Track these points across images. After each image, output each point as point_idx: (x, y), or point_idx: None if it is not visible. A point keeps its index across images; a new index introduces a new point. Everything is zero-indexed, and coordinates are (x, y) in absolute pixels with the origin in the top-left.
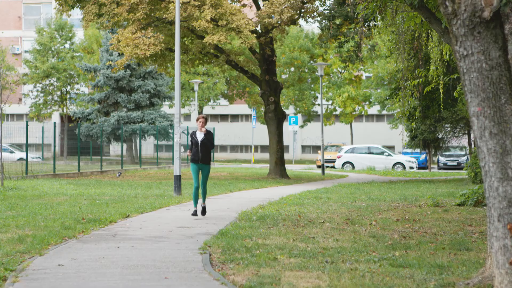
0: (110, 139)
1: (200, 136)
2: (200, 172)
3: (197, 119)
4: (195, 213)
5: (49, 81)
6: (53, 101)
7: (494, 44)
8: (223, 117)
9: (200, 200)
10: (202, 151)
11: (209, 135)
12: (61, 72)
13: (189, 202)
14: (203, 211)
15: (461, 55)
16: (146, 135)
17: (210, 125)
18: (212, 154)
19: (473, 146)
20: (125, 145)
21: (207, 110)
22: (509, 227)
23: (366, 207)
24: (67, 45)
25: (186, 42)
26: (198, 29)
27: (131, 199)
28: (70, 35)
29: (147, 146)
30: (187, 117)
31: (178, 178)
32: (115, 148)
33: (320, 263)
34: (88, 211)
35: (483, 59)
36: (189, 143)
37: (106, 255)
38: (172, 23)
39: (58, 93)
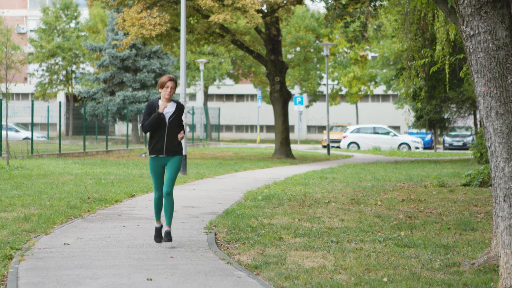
0: (116, 119)
1: (167, 109)
2: (164, 170)
3: (163, 83)
4: (157, 233)
5: (55, 60)
6: (58, 80)
7: (501, 24)
8: (229, 97)
9: (163, 219)
10: (169, 136)
11: (180, 109)
12: (66, 52)
13: (195, 182)
14: (167, 236)
15: (467, 35)
16: None
17: (214, 104)
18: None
19: (478, 126)
20: (130, 125)
21: (212, 89)
22: None
23: (372, 187)
24: (72, 25)
25: (192, 22)
26: (204, 8)
27: (137, 179)
28: (75, 14)
29: None
30: (192, 97)
31: (183, 158)
32: (121, 128)
33: (325, 243)
34: (94, 190)
35: (490, 39)
36: (142, 122)
37: (112, 234)
38: (177, 2)
39: (64, 72)
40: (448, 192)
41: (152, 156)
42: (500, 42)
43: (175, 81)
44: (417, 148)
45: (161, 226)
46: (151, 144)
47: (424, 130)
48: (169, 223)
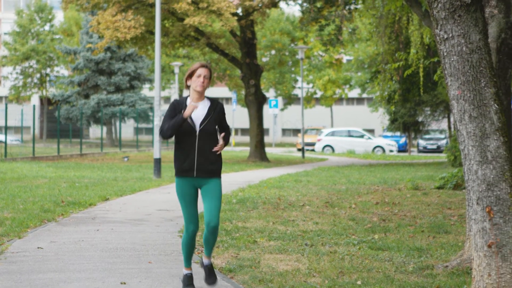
0: (90, 122)
1: (198, 111)
2: (197, 192)
3: (192, 71)
4: (189, 281)
5: (29, 63)
6: (32, 83)
7: (474, 28)
8: None
9: (201, 254)
10: (202, 149)
11: (216, 109)
12: (40, 55)
13: (169, 185)
14: (210, 276)
15: (441, 39)
16: (126, 118)
17: None
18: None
19: (452, 129)
20: (105, 128)
21: (187, 92)
22: (488, 210)
23: (346, 190)
24: (46, 27)
25: (167, 25)
26: (179, 11)
27: (111, 182)
28: (49, 17)
29: (127, 129)
30: (167, 100)
31: (158, 161)
32: (95, 131)
33: (299, 246)
34: (68, 194)
35: (464, 43)
36: (161, 127)
37: (86, 238)
38: (152, 5)
39: (38, 75)
40: (422, 195)
41: (179, 176)
42: (474, 46)
43: (209, 69)
44: (391, 151)
45: (192, 274)
46: (177, 160)
47: (398, 133)
48: (209, 254)
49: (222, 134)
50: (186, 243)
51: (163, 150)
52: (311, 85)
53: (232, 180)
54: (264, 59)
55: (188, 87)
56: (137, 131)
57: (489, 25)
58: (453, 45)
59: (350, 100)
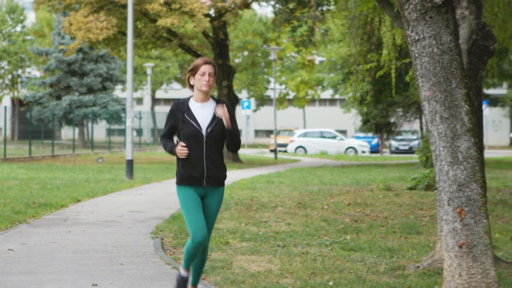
0: (62, 123)
1: (203, 113)
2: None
3: (196, 67)
4: (183, 285)
5: (0, 64)
6: (4, 84)
7: (445, 29)
8: None
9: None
10: (210, 155)
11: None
12: (12, 56)
13: (142, 187)
14: None
15: (412, 40)
16: (98, 119)
17: (162, 109)
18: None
19: (424, 130)
20: (77, 129)
21: (160, 94)
22: (459, 210)
23: (318, 191)
24: (18, 28)
25: (139, 26)
26: (151, 12)
27: (83, 184)
28: (21, 18)
29: (99, 130)
30: (139, 101)
31: (130, 163)
32: (67, 132)
33: (271, 247)
34: (39, 195)
35: (435, 44)
36: (162, 132)
37: (57, 240)
38: (124, 6)
39: (9, 76)
40: (394, 196)
41: (184, 185)
42: (445, 47)
43: (214, 65)
44: (363, 152)
45: (188, 278)
46: (184, 168)
47: (370, 134)
48: (196, 284)
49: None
50: (190, 252)
51: (136, 152)
52: (283, 86)
53: None
54: (236, 60)
55: (191, 86)
56: (110, 132)
57: (460, 26)
58: (424, 46)
59: (323, 101)
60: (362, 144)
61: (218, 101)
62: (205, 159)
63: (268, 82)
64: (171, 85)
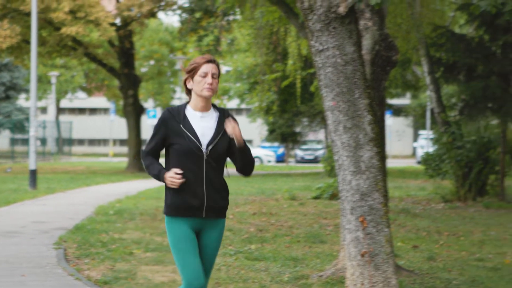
0: None
1: (204, 125)
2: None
3: (195, 67)
4: None
5: None
6: None
7: (349, 40)
8: (82, 111)
9: None
10: (211, 179)
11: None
12: None
13: (45, 197)
14: None
15: (316, 50)
16: (1, 129)
17: (67, 118)
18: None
19: (329, 140)
20: None
21: (65, 103)
22: (361, 219)
23: None
24: None
25: (44, 34)
26: (56, 21)
27: None
28: None
29: (2, 140)
30: (43, 110)
31: (33, 173)
32: None
33: None
34: None
35: (338, 54)
36: (145, 146)
37: None
38: (29, 14)
39: None
40: (299, 205)
41: (176, 216)
42: (348, 57)
43: (218, 65)
44: (269, 161)
45: None
46: (177, 194)
47: (276, 144)
48: None
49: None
50: None
51: (40, 161)
52: None
53: (110, 191)
54: (143, 69)
55: (188, 91)
56: (13, 142)
57: (363, 37)
58: (328, 57)
59: (230, 111)
60: (268, 153)
61: (222, 111)
62: (205, 184)
63: (174, 91)
64: (76, 94)
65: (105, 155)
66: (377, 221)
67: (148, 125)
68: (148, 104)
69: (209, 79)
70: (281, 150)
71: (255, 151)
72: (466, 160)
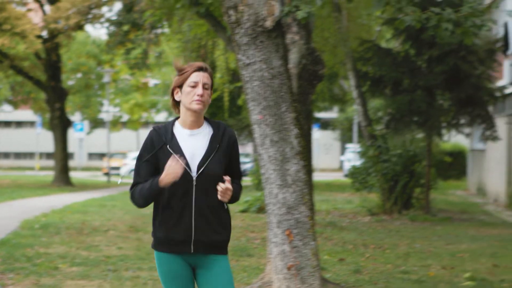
0: None
1: (194, 144)
2: (192, 275)
3: (184, 77)
4: None
5: None
6: None
7: (275, 53)
8: (7, 124)
9: None
10: (200, 207)
11: (227, 140)
12: None
13: None
14: None
15: (244, 64)
16: None
17: None
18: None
19: (256, 153)
20: None
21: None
22: (288, 233)
23: (150, 214)
24: None
25: None
26: None
27: None
28: None
29: None
30: None
31: None
32: None
33: (102, 272)
34: None
35: (265, 68)
36: (132, 184)
37: None
38: None
39: None
40: None
41: (163, 252)
42: (275, 71)
43: (211, 74)
44: None
45: None
46: (161, 225)
47: None
48: None
49: (227, 178)
50: None
51: None
52: (117, 108)
53: (35, 205)
54: (70, 82)
55: (175, 104)
56: None
57: (290, 51)
58: (255, 70)
59: (157, 124)
60: None
61: (217, 126)
62: (194, 212)
63: (102, 104)
64: (2, 108)
65: (32, 168)
66: (303, 234)
67: (75, 138)
68: (75, 117)
69: (199, 90)
70: None
71: None
72: (392, 174)
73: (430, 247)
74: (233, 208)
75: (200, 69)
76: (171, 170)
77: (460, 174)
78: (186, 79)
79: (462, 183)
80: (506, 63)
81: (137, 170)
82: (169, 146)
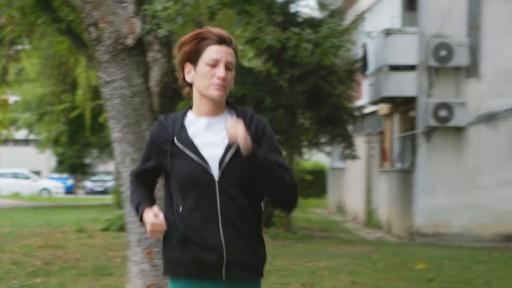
0: None
1: (212, 137)
2: None
3: (196, 50)
4: None
5: None
6: None
7: (136, 71)
8: None
9: None
10: (229, 216)
11: (255, 129)
12: None
13: None
14: None
15: (104, 81)
16: None
17: None
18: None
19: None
20: None
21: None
22: (147, 251)
23: (9, 233)
24: None
25: None
26: None
27: None
28: None
29: None
30: None
31: None
32: None
33: None
34: None
35: (126, 86)
36: (138, 165)
37: None
38: None
39: None
40: (87, 237)
41: (180, 279)
42: (136, 89)
43: (234, 47)
44: (58, 193)
45: None
46: (176, 242)
47: (65, 175)
48: None
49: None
50: None
51: None
52: None
53: None
54: None
55: (187, 84)
56: None
57: (152, 69)
58: (115, 88)
59: (17, 142)
60: (56, 185)
61: (243, 112)
62: (221, 225)
63: None
64: None
65: None
66: None
67: None
68: None
69: (220, 71)
70: (70, 182)
71: (43, 183)
72: None
73: (291, 264)
74: (93, 227)
75: (222, 41)
76: (155, 228)
77: (320, 193)
78: (201, 53)
79: (323, 201)
80: (365, 83)
81: (141, 158)
82: (177, 139)
